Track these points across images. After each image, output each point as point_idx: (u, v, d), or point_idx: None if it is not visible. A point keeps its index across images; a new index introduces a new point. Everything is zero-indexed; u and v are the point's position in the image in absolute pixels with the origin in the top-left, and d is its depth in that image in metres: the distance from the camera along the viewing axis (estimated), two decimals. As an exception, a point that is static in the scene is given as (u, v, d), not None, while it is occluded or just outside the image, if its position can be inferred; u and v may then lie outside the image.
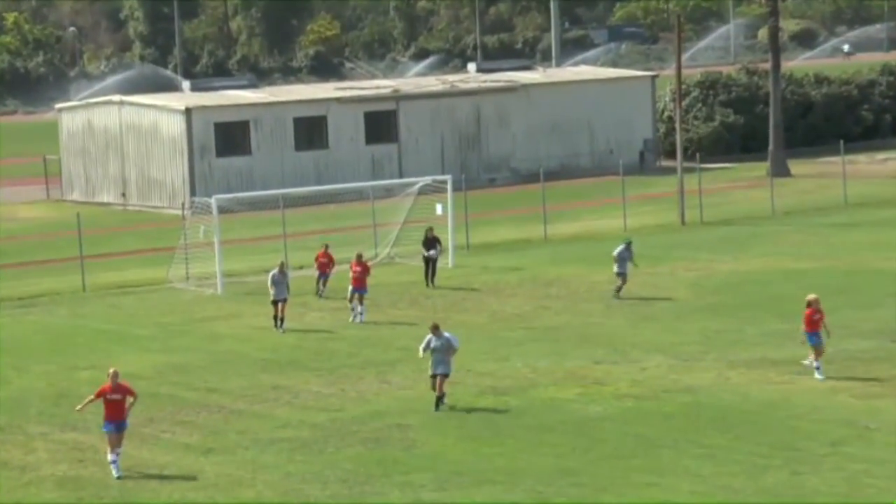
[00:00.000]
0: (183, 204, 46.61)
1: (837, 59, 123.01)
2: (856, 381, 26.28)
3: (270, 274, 33.13)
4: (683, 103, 57.41)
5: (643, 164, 62.83)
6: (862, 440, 22.70)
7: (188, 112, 56.10)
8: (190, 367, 29.55)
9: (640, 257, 37.11)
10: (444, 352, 25.36)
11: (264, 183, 54.55)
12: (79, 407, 23.31)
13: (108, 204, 58.58)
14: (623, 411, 24.93)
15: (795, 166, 59.55)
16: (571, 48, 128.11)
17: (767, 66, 63.34)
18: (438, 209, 41.64)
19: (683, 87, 56.19)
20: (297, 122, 57.97)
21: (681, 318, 32.59)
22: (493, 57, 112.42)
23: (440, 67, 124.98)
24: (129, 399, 22.79)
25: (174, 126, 56.50)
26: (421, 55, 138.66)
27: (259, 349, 30.97)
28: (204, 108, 56.89)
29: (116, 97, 61.46)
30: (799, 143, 64.47)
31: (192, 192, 53.32)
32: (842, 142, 55.22)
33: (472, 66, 70.48)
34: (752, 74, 69.00)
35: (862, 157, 61.85)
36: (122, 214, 56.23)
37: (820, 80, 69.41)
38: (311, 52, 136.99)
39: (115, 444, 22.55)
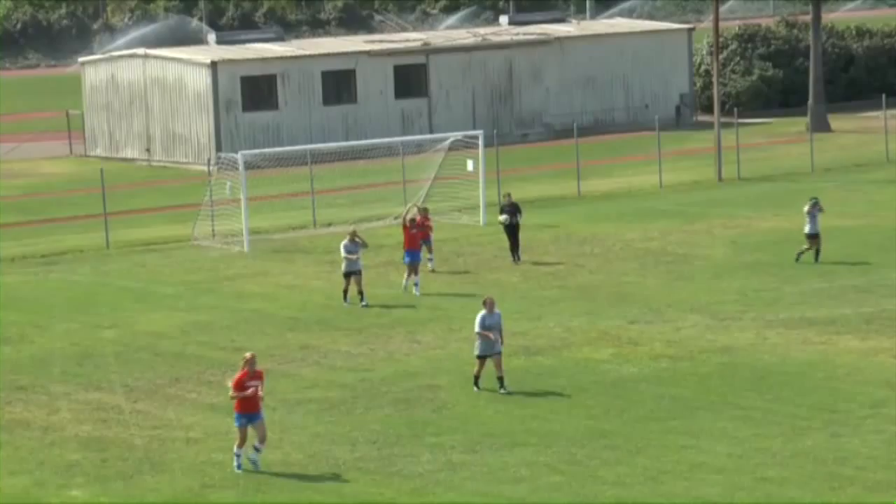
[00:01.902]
0: (209, 160, 46.11)
1: (881, 11, 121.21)
2: (899, 342, 25.67)
3: (342, 244, 30.49)
4: (721, 57, 56.46)
5: (679, 119, 62.01)
6: (906, 403, 22.14)
7: (214, 66, 55.52)
8: (216, 326, 29.16)
9: (677, 214, 36.47)
10: (496, 329, 23.53)
11: (291, 138, 54.01)
12: (233, 395, 20.24)
13: (132, 160, 58.20)
14: (658, 372, 24.47)
15: (836, 121, 58.65)
16: (606, 0, 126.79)
17: (808, 18, 62.29)
18: (469, 165, 41.05)
19: (721, 39, 55.23)
20: (325, 75, 57.32)
21: (718, 276, 31.99)
22: (526, 9, 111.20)
23: (471, 20, 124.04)
24: (260, 387, 20.20)
25: (200, 80, 55.95)
26: (452, 8, 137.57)
27: (286, 308, 30.54)
28: (230, 61, 56.30)
29: (141, 50, 60.88)
30: (840, 98, 63.48)
31: (218, 148, 52.82)
32: (884, 96, 54.16)
33: (504, 19, 69.54)
34: (792, 27, 67.90)
35: (904, 112, 60.87)
36: (146, 170, 55.88)
37: (862, 32, 68.24)
38: (340, 4, 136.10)
39: (247, 439, 20.07)
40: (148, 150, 58.13)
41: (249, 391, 20.09)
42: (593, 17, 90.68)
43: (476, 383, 23.71)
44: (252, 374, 20.21)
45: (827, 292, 29.81)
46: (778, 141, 56.29)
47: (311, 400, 23.61)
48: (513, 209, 34.06)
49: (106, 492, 19.80)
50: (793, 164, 49.44)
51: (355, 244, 30.26)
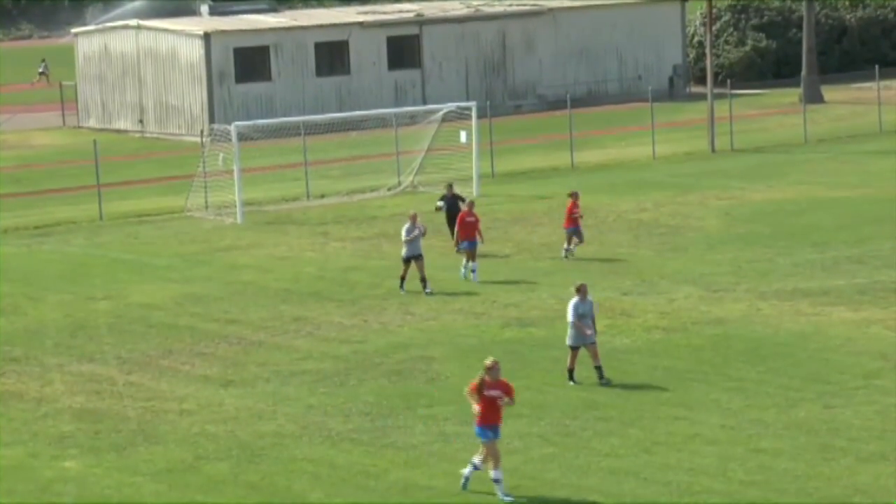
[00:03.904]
0: (202, 131, 45.99)
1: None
2: (890, 313, 25.63)
3: (404, 227, 28.62)
4: (714, 28, 56.40)
5: (672, 90, 61.93)
6: (898, 373, 22.15)
7: (207, 37, 55.32)
8: (209, 297, 29.12)
9: (670, 186, 36.42)
10: (588, 317, 22.14)
11: (285, 110, 53.91)
12: (477, 408, 18.17)
13: (125, 131, 58.04)
14: (651, 343, 24.47)
15: (829, 92, 58.60)
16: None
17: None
18: (463, 137, 40.98)
19: (714, 11, 55.13)
20: (318, 47, 57.15)
21: (711, 248, 31.98)
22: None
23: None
24: (506, 399, 18.14)
25: (193, 51, 55.76)
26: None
27: (279, 280, 30.50)
28: (223, 32, 56.09)
29: (133, 21, 60.63)
30: (833, 69, 63.41)
31: (212, 119, 52.71)
32: (877, 67, 54.11)
33: (497, -10, 69.36)
34: (785, -3, 67.75)
35: (897, 83, 60.83)
36: (139, 141, 55.74)
37: (855, 3, 68.11)
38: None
39: (494, 454, 17.92)
40: (141, 121, 57.97)
41: (492, 400, 17.99)
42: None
43: (571, 377, 22.30)
44: (494, 382, 18.02)
45: (820, 263, 29.80)
46: (771, 112, 56.23)
47: (304, 371, 23.59)
48: (453, 199, 31.98)
49: (99, 463, 19.80)
50: (786, 135, 49.40)
51: (416, 227, 28.48)
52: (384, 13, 61.71)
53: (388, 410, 21.39)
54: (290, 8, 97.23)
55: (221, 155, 39.70)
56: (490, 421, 17.99)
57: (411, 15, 60.42)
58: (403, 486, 18.56)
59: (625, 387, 22.08)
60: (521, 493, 18.03)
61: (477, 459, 18.24)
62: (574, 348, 22.28)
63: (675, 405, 21.13)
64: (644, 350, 24.10)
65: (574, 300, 22.19)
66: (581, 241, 31.35)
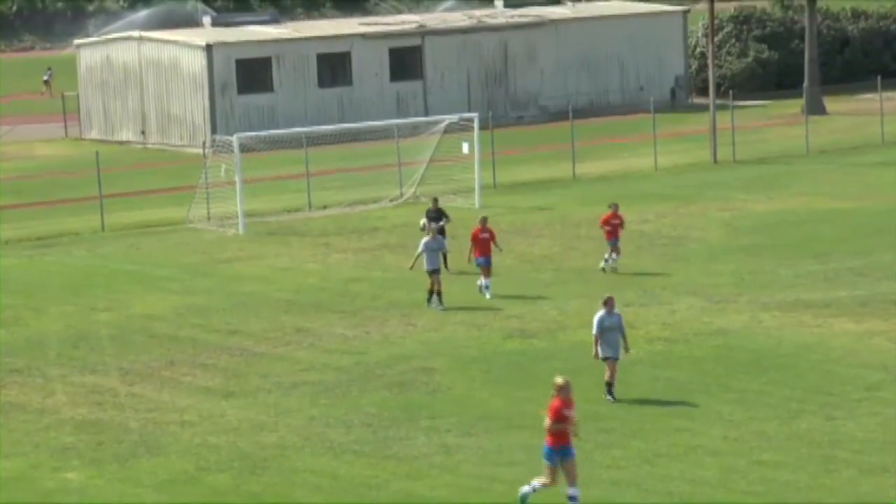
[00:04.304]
0: (204, 142, 46.03)
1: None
2: (892, 324, 25.62)
3: (423, 241, 28.18)
4: (716, 39, 56.40)
5: (674, 101, 61.97)
6: (900, 385, 22.14)
7: (209, 48, 55.39)
8: (211, 308, 29.11)
9: (672, 197, 36.39)
10: (616, 331, 21.78)
11: (287, 121, 53.94)
12: (550, 426, 17.49)
13: (128, 142, 58.09)
14: (653, 355, 24.45)
15: (831, 103, 58.61)
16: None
17: (803, 0, 62.10)
18: (465, 148, 41.00)
19: (716, 21, 55.13)
20: (321, 58, 57.21)
21: (713, 259, 31.97)
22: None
23: (467, 3, 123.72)
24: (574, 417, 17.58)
25: (195, 63, 55.82)
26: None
27: (281, 290, 30.50)
28: (225, 44, 56.16)
29: (136, 33, 60.72)
30: (835, 80, 63.43)
31: (213, 130, 52.75)
32: (879, 78, 54.13)
33: (499, 2, 69.40)
34: (788, 9, 67.87)
35: (899, 94, 60.85)
36: (141, 152, 55.78)
37: (857, 14, 68.16)
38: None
39: (571, 473, 17.25)
40: (143, 132, 58.01)
41: (566, 421, 17.40)
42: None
43: (609, 391, 21.83)
44: (567, 401, 17.51)
45: (822, 275, 29.78)
46: (773, 123, 56.24)
47: (306, 382, 23.57)
48: (437, 214, 31.49)
49: (101, 474, 19.78)
50: (788, 146, 49.40)
51: (437, 241, 28.22)
52: (386, 24, 61.80)
53: (389, 422, 21.37)
54: (293, 19, 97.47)
55: (223, 166, 39.73)
56: (563, 442, 17.38)
57: (413, 26, 60.49)
58: (405, 497, 18.54)
59: (626, 398, 22.05)
60: (523, 505, 18.01)
61: (538, 482, 17.59)
62: (606, 359, 21.83)
63: (677, 417, 21.10)
64: (646, 361, 24.06)
65: (600, 313, 21.77)
66: (617, 255, 30.71)
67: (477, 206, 39.71)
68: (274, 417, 21.77)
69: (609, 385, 21.98)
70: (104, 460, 20.29)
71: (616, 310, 21.95)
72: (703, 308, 27.49)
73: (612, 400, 21.88)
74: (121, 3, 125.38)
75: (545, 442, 17.58)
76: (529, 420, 21.03)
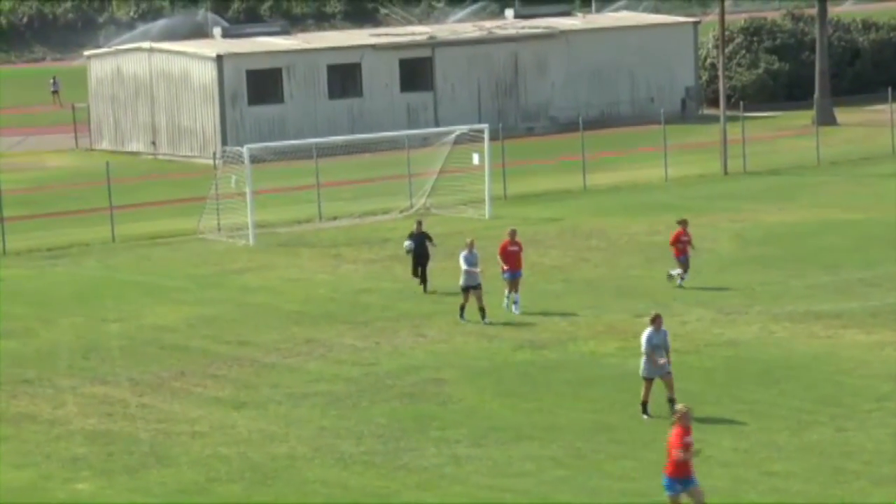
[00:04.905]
0: (214, 153, 46.09)
1: (886, 4, 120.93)
2: (905, 336, 25.60)
3: (462, 255, 27.78)
4: (727, 50, 56.36)
5: (685, 112, 61.92)
6: (912, 397, 22.09)
7: (219, 59, 55.50)
8: (221, 319, 29.13)
9: (682, 208, 36.32)
10: (662, 348, 21.46)
11: (297, 132, 53.99)
12: (681, 456, 17.03)
13: (138, 153, 58.19)
14: (664, 366, 24.33)
15: (842, 115, 58.53)
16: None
17: (813, 11, 62.12)
18: (475, 159, 41.02)
19: (727, 33, 55.10)
20: (331, 69, 57.28)
21: (723, 270, 31.92)
22: (532, 2, 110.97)
23: (477, 14, 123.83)
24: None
25: (205, 74, 55.93)
26: (457, 0, 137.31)
27: (291, 301, 30.51)
28: (235, 55, 56.27)
29: (146, 44, 60.84)
30: (846, 91, 63.33)
31: (224, 141, 52.81)
32: (889, 89, 53.97)
33: (509, 13, 69.47)
34: (798, 20, 67.76)
35: (910, 105, 60.77)
36: (151, 163, 55.87)
37: (868, 25, 68.07)
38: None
39: (698, 500, 16.88)
40: (153, 143, 58.11)
41: (689, 449, 16.92)
42: (598, 10, 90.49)
43: (645, 409, 21.61)
44: (687, 428, 16.97)
45: (833, 286, 29.72)
46: (784, 134, 56.17)
47: (316, 393, 23.57)
48: (421, 237, 30.87)
49: (112, 485, 19.79)
50: (799, 157, 49.33)
51: (474, 255, 27.63)
52: (396, 35, 61.86)
53: (400, 433, 21.36)
54: (303, 30, 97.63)
55: (234, 177, 39.77)
56: (685, 471, 16.93)
57: (424, 37, 60.55)
58: (415, 508, 18.53)
59: (637, 409, 22.00)
60: (534, 516, 17.97)
61: None
62: (648, 380, 21.58)
63: (687, 428, 21.07)
64: (656, 372, 24.02)
65: (648, 330, 21.47)
66: (685, 270, 30.22)
67: (487, 216, 39.72)
68: (284, 428, 21.77)
69: (644, 404, 21.63)
70: (115, 471, 20.30)
71: (663, 327, 21.58)
72: (714, 319, 27.46)
73: (648, 418, 21.49)
74: (131, 14, 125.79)
75: (664, 472, 17.14)
76: (539, 431, 21.01)
